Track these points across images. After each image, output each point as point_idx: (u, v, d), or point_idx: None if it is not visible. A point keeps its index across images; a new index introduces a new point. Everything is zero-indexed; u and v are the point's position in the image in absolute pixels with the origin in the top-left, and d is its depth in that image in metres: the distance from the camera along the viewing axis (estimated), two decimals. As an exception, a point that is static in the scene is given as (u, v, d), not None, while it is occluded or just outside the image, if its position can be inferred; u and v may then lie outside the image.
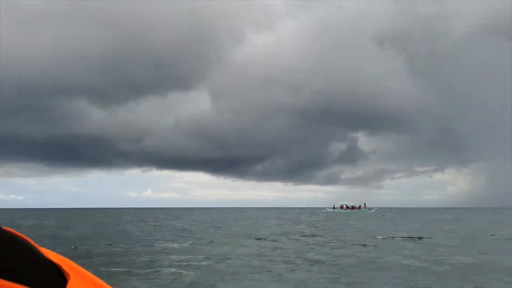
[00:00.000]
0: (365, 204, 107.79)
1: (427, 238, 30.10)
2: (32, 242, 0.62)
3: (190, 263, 17.72)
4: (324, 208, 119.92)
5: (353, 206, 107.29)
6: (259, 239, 28.46)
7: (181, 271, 15.65)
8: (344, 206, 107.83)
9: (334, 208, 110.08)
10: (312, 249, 23.00)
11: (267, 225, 43.67)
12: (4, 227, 0.60)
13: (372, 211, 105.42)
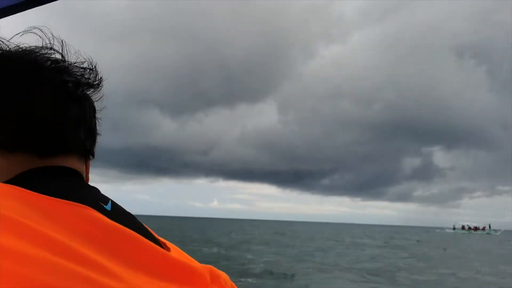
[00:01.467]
0: (489, 225, 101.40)
1: None
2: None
3: None
4: (443, 228, 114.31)
5: (476, 227, 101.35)
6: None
7: None
8: (466, 227, 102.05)
9: (454, 228, 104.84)
10: None
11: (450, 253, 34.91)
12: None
13: (498, 233, 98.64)
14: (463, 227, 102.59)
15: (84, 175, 0.80)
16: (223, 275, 0.70)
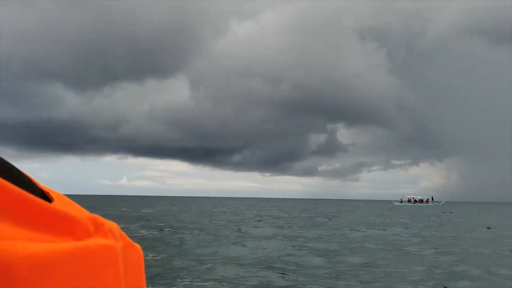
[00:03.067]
0: (432, 197, 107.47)
1: None
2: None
3: None
4: (391, 201, 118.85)
5: (421, 199, 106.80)
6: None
7: None
8: (412, 200, 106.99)
9: (401, 202, 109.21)
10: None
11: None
12: None
13: (441, 204, 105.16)
14: (409, 200, 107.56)
15: None
16: (109, 223, 0.65)
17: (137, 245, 0.66)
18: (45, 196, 0.63)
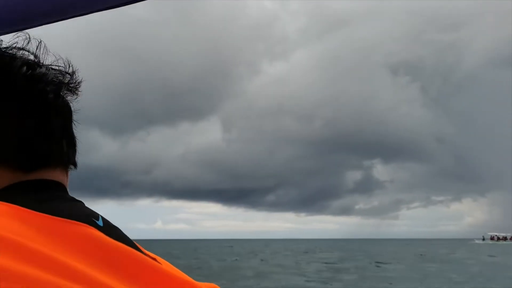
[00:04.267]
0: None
1: None
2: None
3: None
4: (472, 239, 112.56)
5: (505, 237, 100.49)
6: None
7: None
8: (495, 238, 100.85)
9: (483, 239, 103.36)
10: None
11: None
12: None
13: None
14: (492, 238, 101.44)
15: (67, 187, 0.77)
16: (211, 285, 0.71)
17: None
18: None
